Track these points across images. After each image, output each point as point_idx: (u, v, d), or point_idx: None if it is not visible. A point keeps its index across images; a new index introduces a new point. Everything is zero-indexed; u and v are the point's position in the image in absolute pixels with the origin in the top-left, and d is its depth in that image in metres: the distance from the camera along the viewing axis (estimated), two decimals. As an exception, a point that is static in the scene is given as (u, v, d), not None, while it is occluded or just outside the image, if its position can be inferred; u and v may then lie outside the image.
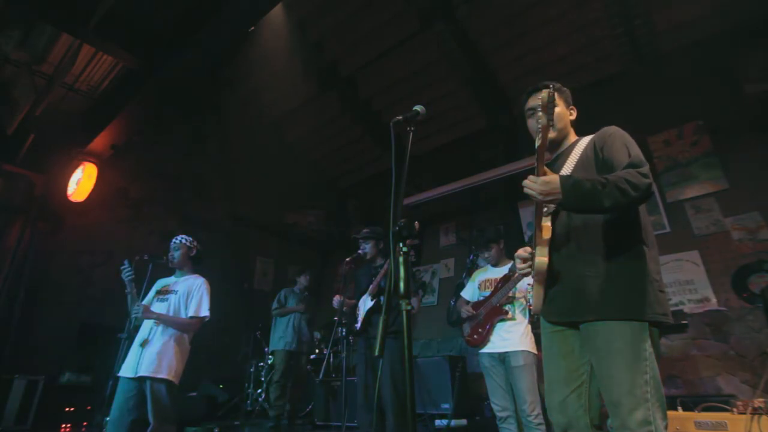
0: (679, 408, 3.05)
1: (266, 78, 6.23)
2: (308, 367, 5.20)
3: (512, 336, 2.92)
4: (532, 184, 1.40)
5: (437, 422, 4.04)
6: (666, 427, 1.31)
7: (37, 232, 5.03)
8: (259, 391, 5.45)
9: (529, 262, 1.64)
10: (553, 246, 1.52)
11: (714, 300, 4.21)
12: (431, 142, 7.01)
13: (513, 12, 5.30)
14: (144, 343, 2.80)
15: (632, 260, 1.44)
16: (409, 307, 1.33)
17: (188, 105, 6.38)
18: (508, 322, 2.97)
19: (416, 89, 6.26)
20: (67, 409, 4.43)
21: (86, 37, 3.97)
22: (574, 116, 1.77)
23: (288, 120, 7.26)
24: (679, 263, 4.50)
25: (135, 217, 5.92)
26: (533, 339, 2.91)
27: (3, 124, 5.11)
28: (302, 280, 5.30)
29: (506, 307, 3.00)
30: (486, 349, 3.01)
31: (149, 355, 2.74)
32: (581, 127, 1.77)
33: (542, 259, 1.49)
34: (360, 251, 3.43)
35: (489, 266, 3.32)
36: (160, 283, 3.16)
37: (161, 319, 2.86)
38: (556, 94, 1.67)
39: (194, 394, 5.20)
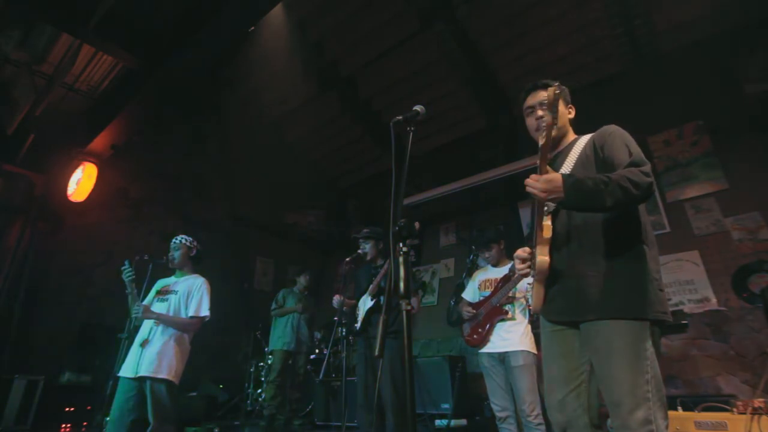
0: (679, 408, 3.06)
1: (266, 78, 6.24)
2: (308, 367, 5.20)
3: (512, 336, 2.91)
4: (534, 183, 1.40)
5: (437, 422, 4.04)
6: (666, 427, 1.30)
7: (37, 232, 5.02)
8: (259, 391, 5.44)
9: (528, 263, 1.64)
10: (554, 245, 1.52)
11: (714, 300, 4.21)
12: (431, 142, 7.02)
13: (513, 12, 5.30)
14: (144, 343, 2.80)
15: (633, 259, 1.44)
16: (409, 307, 1.33)
17: (188, 105, 6.38)
18: (508, 322, 2.97)
19: (416, 89, 6.26)
20: (67, 409, 4.43)
21: (86, 37, 3.97)
22: (572, 115, 1.77)
23: (288, 120, 7.26)
24: (679, 263, 4.50)
25: (135, 217, 5.92)
26: (533, 339, 2.90)
27: (3, 124, 5.11)
28: (301, 280, 5.30)
29: (506, 307, 3.00)
30: (486, 349, 3.01)
31: (149, 355, 2.74)
32: (581, 127, 1.77)
33: (544, 258, 1.49)
34: (360, 251, 3.43)
35: (489, 266, 3.32)
36: (160, 284, 3.16)
37: (161, 319, 2.86)
38: None
39: (194, 394, 5.19)
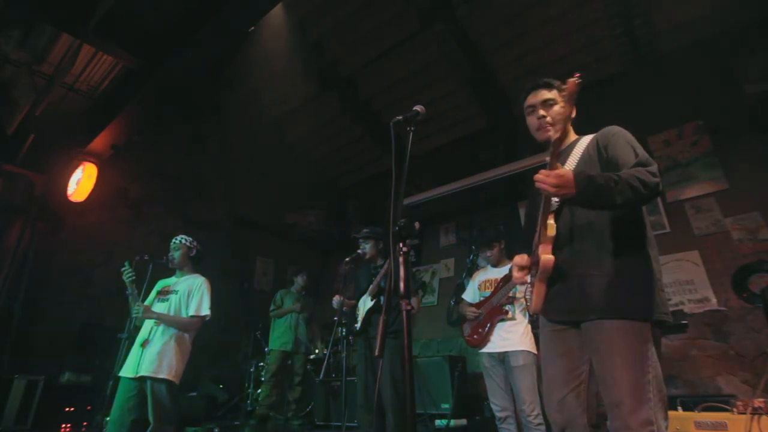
0: (679, 408, 3.06)
1: (266, 78, 6.24)
2: (308, 367, 5.20)
3: (512, 336, 2.92)
4: (544, 178, 1.37)
5: (437, 422, 4.03)
6: (667, 428, 1.30)
7: (37, 232, 5.02)
8: (259, 391, 5.45)
9: (527, 271, 1.63)
10: (556, 244, 1.52)
11: (714, 300, 4.21)
12: (431, 142, 7.01)
13: (513, 12, 5.30)
14: (144, 344, 2.81)
15: (638, 260, 1.43)
16: (409, 307, 1.33)
17: (188, 105, 6.38)
18: (508, 322, 2.97)
19: (416, 89, 6.26)
20: (67, 409, 4.42)
21: (86, 37, 3.96)
22: (573, 114, 1.76)
23: (288, 120, 7.26)
24: (679, 263, 4.49)
25: (135, 217, 5.91)
26: (533, 339, 2.90)
27: (3, 124, 5.11)
28: (299, 280, 5.31)
29: (506, 307, 3.00)
30: (486, 349, 3.01)
31: (150, 355, 2.74)
32: (581, 127, 1.76)
33: (549, 256, 1.48)
34: (359, 251, 3.43)
35: (489, 266, 3.32)
36: (160, 284, 3.17)
37: (161, 319, 2.86)
38: (556, 91, 1.67)
39: (194, 394, 5.19)
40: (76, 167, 5.09)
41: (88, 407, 4.51)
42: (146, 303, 2.97)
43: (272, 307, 5.12)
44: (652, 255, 1.46)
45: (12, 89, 5.03)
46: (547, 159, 1.47)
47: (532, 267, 1.61)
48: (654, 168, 1.40)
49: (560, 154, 1.70)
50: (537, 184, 1.39)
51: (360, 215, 7.90)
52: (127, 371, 2.76)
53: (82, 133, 5.07)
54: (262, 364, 5.52)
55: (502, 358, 2.93)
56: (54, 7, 3.69)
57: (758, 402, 2.71)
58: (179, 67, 4.21)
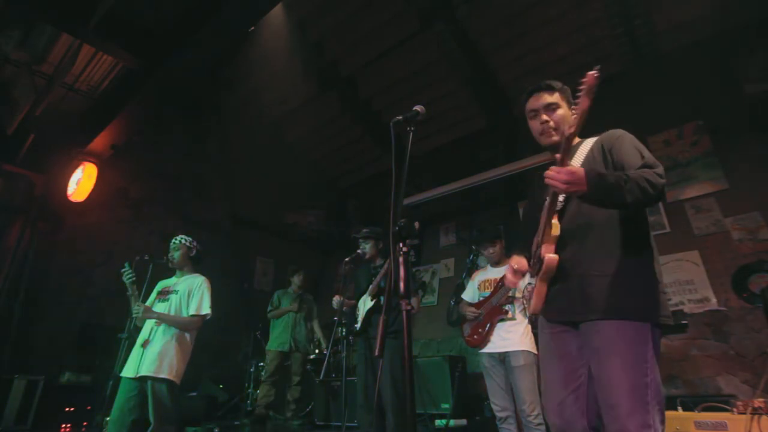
0: (679, 408, 3.05)
1: (266, 78, 6.23)
2: (308, 367, 5.20)
3: (512, 336, 2.92)
4: (555, 174, 1.35)
5: (437, 422, 4.03)
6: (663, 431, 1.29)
7: (37, 232, 5.02)
8: (258, 391, 5.45)
9: (521, 276, 1.64)
10: (557, 244, 1.51)
11: (714, 300, 4.21)
12: (431, 142, 7.01)
13: (513, 12, 5.30)
14: (145, 344, 2.81)
15: (638, 260, 1.43)
16: (409, 307, 1.33)
17: (188, 105, 6.38)
18: (508, 322, 2.97)
19: (416, 89, 6.26)
20: (67, 409, 4.42)
21: (86, 37, 3.96)
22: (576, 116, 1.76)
23: (288, 120, 7.25)
24: (679, 263, 4.49)
25: (135, 217, 5.91)
26: (533, 339, 2.90)
27: (3, 124, 5.11)
28: (295, 280, 5.30)
29: (506, 307, 3.00)
30: (486, 350, 3.01)
31: (150, 355, 2.74)
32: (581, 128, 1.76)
33: (553, 256, 1.48)
34: (359, 251, 3.43)
35: (489, 266, 3.32)
36: (160, 285, 3.17)
37: (162, 319, 2.86)
38: (558, 94, 1.65)
39: (194, 394, 5.19)
40: (76, 167, 5.09)
41: (88, 407, 4.51)
42: (147, 304, 2.97)
43: (269, 308, 5.13)
44: (654, 255, 1.46)
45: (12, 89, 5.03)
46: (550, 158, 1.47)
47: (534, 266, 1.61)
48: (661, 170, 1.40)
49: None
50: (547, 180, 1.38)
51: (360, 215, 7.90)
52: (128, 371, 2.76)
53: (82, 133, 5.07)
54: (262, 364, 5.52)
55: (503, 358, 2.93)
56: (54, 7, 3.69)
57: (758, 402, 2.71)
58: (179, 67, 4.22)
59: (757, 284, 3.99)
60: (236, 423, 4.96)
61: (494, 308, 3.03)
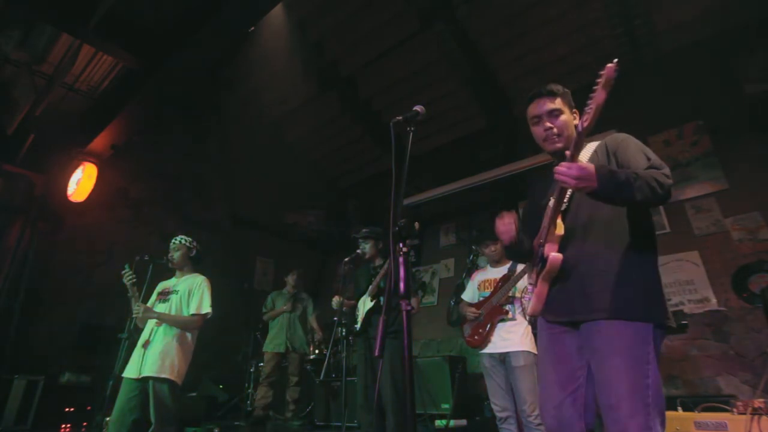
0: (679, 408, 3.05)
1: (266, 78, 6.23)
2: (307, 367, 5.20)
3: (513, 336, 2.92)
4: (566, 170, 1.34)
5: (437, 422, 4.03)
6: None
7: (37, 232, 5.02)
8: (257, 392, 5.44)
9: (512, 223, 1.65)
10: (560, 244, 1.51)
11: (714, 300, 4.21)
12: (431, 142, 7.01)
13: (513, 12, 5.29)
14: (145, 344, 2.81)
15: (640, 261, 1.42)
16: (408, 308, 1.33)
17: (188, 105, 6.38)
18: (509, 322, 2.97)
19: (416, 89, 6.26)
20: (67, 409, 4.42)
21: (86, 37, 3.96)
22: (577, 119, 1.75)
23: (288, 120, 7.25)
24: (679, 263, 4.49)
25: (135, 217, 5.91)
26: (533, 339, 2.90)
27: (3, 124, 5.11)
28: (289, 280, 5.30)
29: (506, 307, 3.00)
30: (487, 350, 3.01)
31: (152, 356, 2.74)
32: (581, 128, 1.76)
33: (557, 255, 1.47)
34: (359, 251, 3.43)
35: (488, 266, 3.32)
36: (161, 286, 3.17)
37: (162, 318, 2.86)
38: (560, 99, 1.63)
39: (194, 394, 5.19)
40: (76, 167, 5.09)
41: (88, 407, 4.51)
42: (147, 305, 2.97)
43: (264, 310, 5.12)
44: (656, 258, 1.46)
45: (12, 89, 5.03)
46: (550, 158, 1.46)
47: (535, 266, 1.61)
48: (667, 171, 1.41)
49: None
50: (557, 176, 1.36)
51: (360, 215, 7.90)
52: (130, 372, 2.76)
53: (82, 133, 5.07)
54: (261, 364, 5.52)
55: (503, 358, 2.93)
56: (54, 7, 3.69)
57: (758, 402, 2.71)
58: (179, 67, 4.21)
59: (757, 284, 3.98)
60: (236, 423, 4.96)
61: (494, 308, 3.03)
